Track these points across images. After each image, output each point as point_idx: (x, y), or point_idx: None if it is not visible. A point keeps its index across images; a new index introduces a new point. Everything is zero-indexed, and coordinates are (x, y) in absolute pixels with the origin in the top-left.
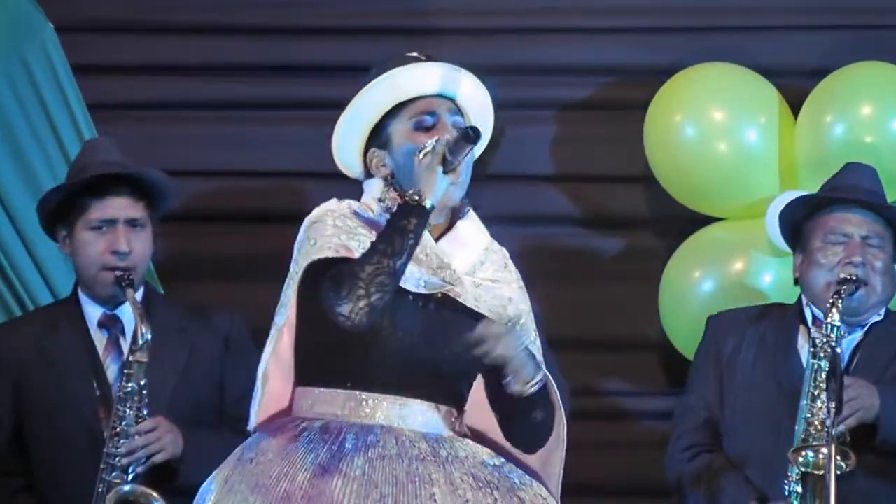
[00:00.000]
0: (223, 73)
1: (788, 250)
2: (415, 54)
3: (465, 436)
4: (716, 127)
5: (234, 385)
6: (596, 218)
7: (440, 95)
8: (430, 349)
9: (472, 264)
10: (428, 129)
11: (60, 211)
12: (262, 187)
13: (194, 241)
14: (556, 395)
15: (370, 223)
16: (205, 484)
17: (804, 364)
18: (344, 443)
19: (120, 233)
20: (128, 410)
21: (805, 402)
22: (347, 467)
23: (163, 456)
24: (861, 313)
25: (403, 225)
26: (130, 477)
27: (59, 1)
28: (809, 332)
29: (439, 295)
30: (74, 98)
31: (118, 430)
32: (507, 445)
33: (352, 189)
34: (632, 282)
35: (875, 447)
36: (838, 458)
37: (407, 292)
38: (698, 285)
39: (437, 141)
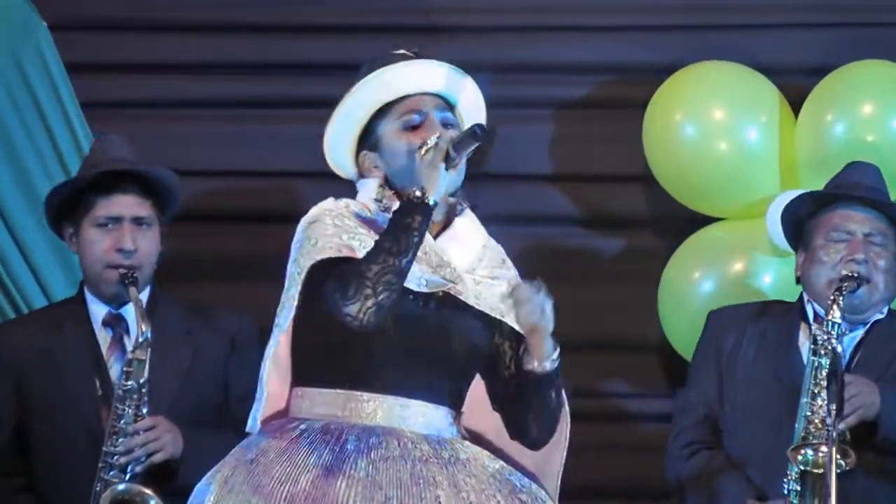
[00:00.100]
0: (220, 72)
1: (789, 250)
2: (402, 51)
3: (463, 437)
4: (716, 126)
5: (238, 386)
6: (595, 218)
7: (428, 92)
8: (431, 348)
9: (471, 262)
10: (416, 128)
11: (67, 208)
12: (261, 187)
13: (192, 241)
14: (564, 394)
15: (368, 222)
16: (200, 484)
17: (805, 361)
18: (346, 444)
19: (126, 231)
20: (127, 409)
21: (805, 399)
22: (351, 469)
23: (162, 456)
24: (863, 311)
25: (408, 223)
26: (128, 476)
27: None
28: (811, 329)
29: (440, 293)
30: (68, 97)
31: (117, 428)
32: (505, 447)
33: (351, 189)
34: (631, 282)
35: (875, 445)
36: (838, 456)
37: (408, 291)
38: (698, 286)
39: (439, 137)
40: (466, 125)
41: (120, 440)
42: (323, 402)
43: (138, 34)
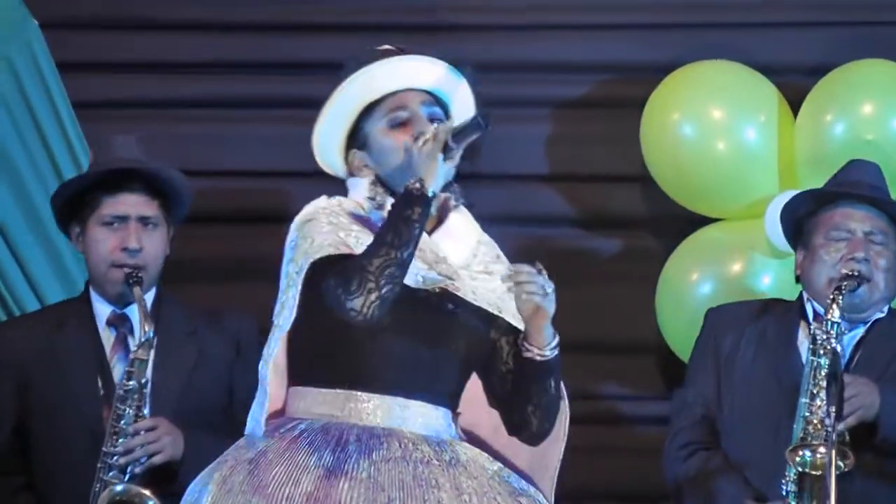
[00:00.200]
0: (214, 71)
1: (788, 251)
2: (386, 46)
3: (461, 438)
4: (714, 125)
5: (244, 389)
6: (592, 218)
7: (414, 88)
8: (430, 346)
9: (465, 257)
10: (403, 125)
11: (74, 207)
12: (255, 187)
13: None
14: (563, 386)
15: (362, 220)
16: (195, 484)
17: (804, 361)
18: (347, 445)
19: (131, 230)
20: (127, 409)
21: (804, 400)
22: (353, 470)
23: (161, 457)
24: (863, 310)
25: (408, 215)
26: (127, 477)
27: None
28: (810, 328)
29: (437, 290)
30: (60, 96)
31: (117, 428)
32: (500, 447)
33: (345, 188)
34: (628, 283)
35: (874, 446)
36: (837, 458)
37: (405, 288)
38: (696, 287)
39: (436, 128)
40: (456, 119)
41: (120, 440)
42: (322, 402)
43: (130, 33)
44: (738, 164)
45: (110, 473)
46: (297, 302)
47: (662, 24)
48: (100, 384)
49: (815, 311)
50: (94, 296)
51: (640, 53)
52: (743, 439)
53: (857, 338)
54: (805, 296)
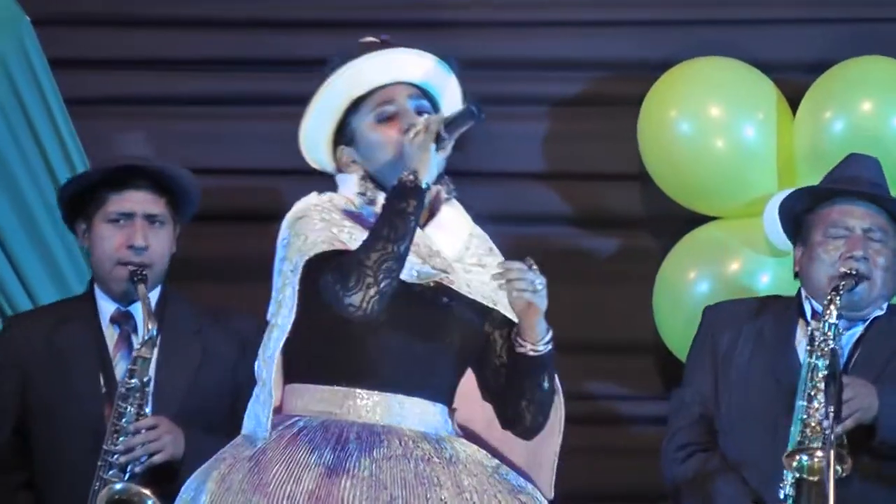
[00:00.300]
0: (207, 68)
1: (787, 249)
2: (369, 39)
3: (458, 435)
4: (712, 123)
5: (249, 389)
6: (589, 217)
7: (400, 82)
8: (427, 341)
9: (458, 250)
10: (390, 119)
11: (80, 204)
12: (249, 185)
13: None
14: (557, 380)
15: (353, 216)
16: (191, 482)
17: (801, 360)
18: (347, 442)
19: (137, 227)
20: (129, 407)
21: (801, 402)
22: (354, 468)
23: (162, 456)
24: (862, 308)
25: (403, 207)
26: (127, 476)
27: None
28: (808, 327)
29: (432, 284)
30: (52, 93)
31: (118, 426)
32: (495, 441)
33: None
34: (625, 283)
35: (872, 448)
36: (835, 462)
37: (400, 283)
38: (694, 286)
39: (428, 118)
40: (444, 110)
41: (121, 439)
42: (320, 399)
43: (122, 30)
44: (736, 162)
45: (110, 472)
46: (295, 301)
47: (660, 20)
48: (102, 382)
49: (813, 310)
50: (98, 293)
51: (638, 50)
52: (740, 439)
53: (856, 336)
54: (803, 294)
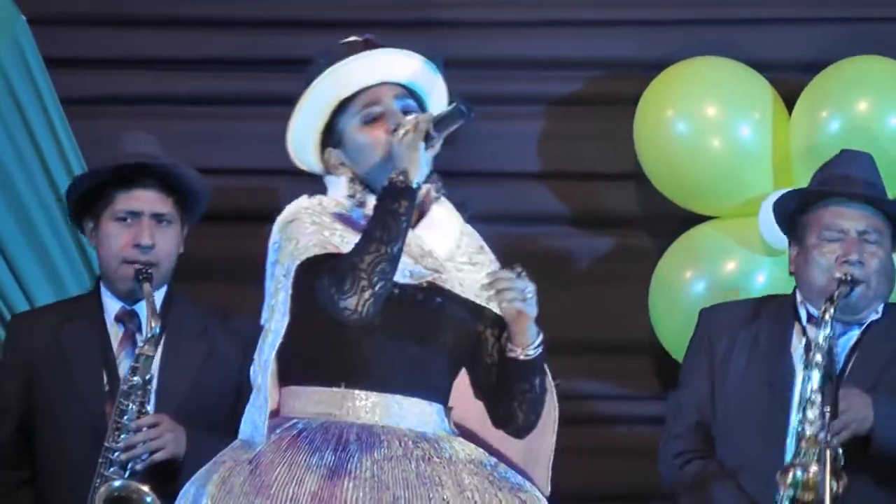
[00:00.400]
0: (204, 68)
1: (782, 249)
2: (352, 38)
3: (455, 434)
4: (708, 123)
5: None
6: (584, 217)
7: (386, 82)
8: (421, 341)
9: (449, 249)
10: (377, 120)
11: (88, 202)
12: (247, 185)
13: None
14: (549, 378)
15: (344, 219)
16: (190, 485)
17: (796, 367)
18: (348, 444)
19: (144, 226)
20: (131, 404)
21: (797, 415)
22: (356, 469)
23: (163, 454)
24: (859, 311)
25: (395, 208)
26: (128, 473)
27: None
28: (804, 331)
29: (424, 284)
30: (48, 92)
31: (119, 424)
32: (490, 438)
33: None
34: (621, 282)
35: (868, 458)
36: (830, 477)
37: (394, 284)
38: (690, 286)
39: (416, 117)
40: (431, 110)
41: (122, 436)
42: (318, 401)
43: (121, 29)
44: (732, 162)
45: (111, 469)
46: (287, 306)
47: (656, 20)
48: (105, 380)
49: (808, 313)
50: (104, 291)
51: (634, 50)
52: (737, 445)
53: (853, 340)
54: (798, 297)
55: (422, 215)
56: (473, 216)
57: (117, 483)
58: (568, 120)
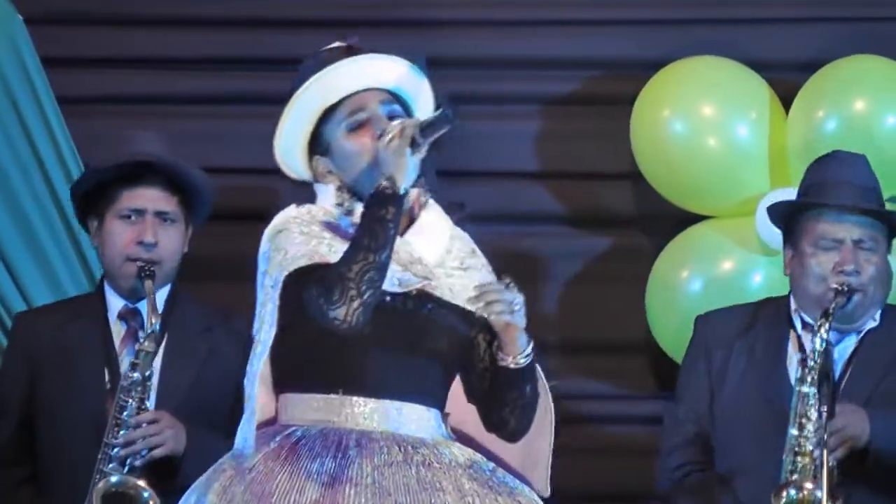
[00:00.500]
0: (201, 67)
1: (779, 248)
2: (336, 44)
3: (452, 439)
4: (705, 122)
5: None
6: (581, 216)
7: (371, 88)
8: (415, 348)
9: (440, 255)
10: (362, 127)
11: (93, 201)
12: (245, 184)
13: None
14: (543, 380)
15: (332, 227)
16: (189, 494)
17: (792, 377)
18: (347, 450)
19: (148, 224)
20: (130, 400)
21: (793, 431)
22: (357, 475)
23: (162, 451)
24: (856, 319)
25: (382, 215)
26: (127, 469)
27: None
28: (799, 339)
29: (414, 291)
30: (44, 92)
31: (119, 420)
32: (486, 442)
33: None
34: (618, 282)
35: (865, 473)
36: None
37: (383, 293)
38: (686, 285)
39: (403, 123)
40: (418, 114)
41: (121, 432)
42: (316, 408)
43: (120, 28)
44: (729, 161)
45: (110, 465)
46: (275, 317)
47: (652, 19)
48: (107, 378)
49: (803, 321)
50: (107, 289)
51: (630, 49)
52: (733, 457)
53: (850, 349)
54: (793, 305)
55: (411, 221)
56: (469, 216)
57: (115, 478)
58: (565, 119)
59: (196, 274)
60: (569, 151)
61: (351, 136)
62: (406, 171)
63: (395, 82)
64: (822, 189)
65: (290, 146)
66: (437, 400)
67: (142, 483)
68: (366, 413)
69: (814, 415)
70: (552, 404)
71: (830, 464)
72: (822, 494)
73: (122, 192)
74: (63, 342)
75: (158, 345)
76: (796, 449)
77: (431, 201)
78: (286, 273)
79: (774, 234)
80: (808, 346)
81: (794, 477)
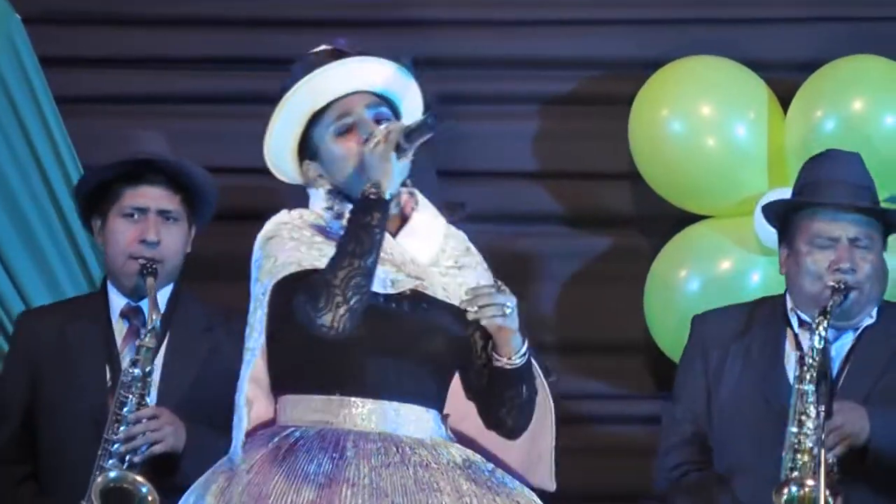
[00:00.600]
0: (199, 67)
1: (777, 248)
2: (323, 47)
3: (451, 439)
4: (703, 122)
5: None
6: (580, 216)
7: (358, 91)
8: (412, 349)
9: (433, 254)
10: (349, 131)
11: (96, 201)
12: (244, 184)
13: None
14: (541, 378)
15: (323, 232)
16: (189, 496)
17: (790, 375)
18: (344, 451)
19: (150, 222)
20: (130, 396)
21: (792, 429)
22: (354, 476)
23: (162, 447)
24: (853, 317)
25: (367, 221)
26: (126, 465)
27: None
28: (796, 337)
29: (408, 292)
30: (43, 92)
31: (119, 416)
32: (487, 442)
33: None
34: (617, 282)
35: (865, 470)
36: (826, 492)
37: (376, 294)
38: (685, 285)
39: (387, 127)
40: (405, 115)
41: (121, 428)
42: (315, 409)
43: (119, 28)
44: (727, 161)
45: (110, 461)
46: (264, 325)
47: (651, 19)
48: (108, 375)
49: (800, 319)
50: (110, 288)
51: (629, 49)
52: (732, 456)
53: (848, 347)
54: (789, 304)
55: (403, 222)
56: (468, 216)
57: (113, 474)
58: (564, 119)
59: (196, 273)
60: (567, 151)
61: (338, 140)
62: (391, 175)
63: (382, 85)
64: (817, 188)
65: (280, 150)
66: (435, 400)
67: (140, 478)
68: (364, 414)
69: (813, 412)
70: (552, 404)
71: (829, 461)
72: (821, 493)
73: (125, 191)
74: (65, 341)
75: (159, 342)
76: (796, 446)
77: (424, 201)
78: (275, 281)
79: (773, 234)
80: (805, 345)
81: (795, 474)
